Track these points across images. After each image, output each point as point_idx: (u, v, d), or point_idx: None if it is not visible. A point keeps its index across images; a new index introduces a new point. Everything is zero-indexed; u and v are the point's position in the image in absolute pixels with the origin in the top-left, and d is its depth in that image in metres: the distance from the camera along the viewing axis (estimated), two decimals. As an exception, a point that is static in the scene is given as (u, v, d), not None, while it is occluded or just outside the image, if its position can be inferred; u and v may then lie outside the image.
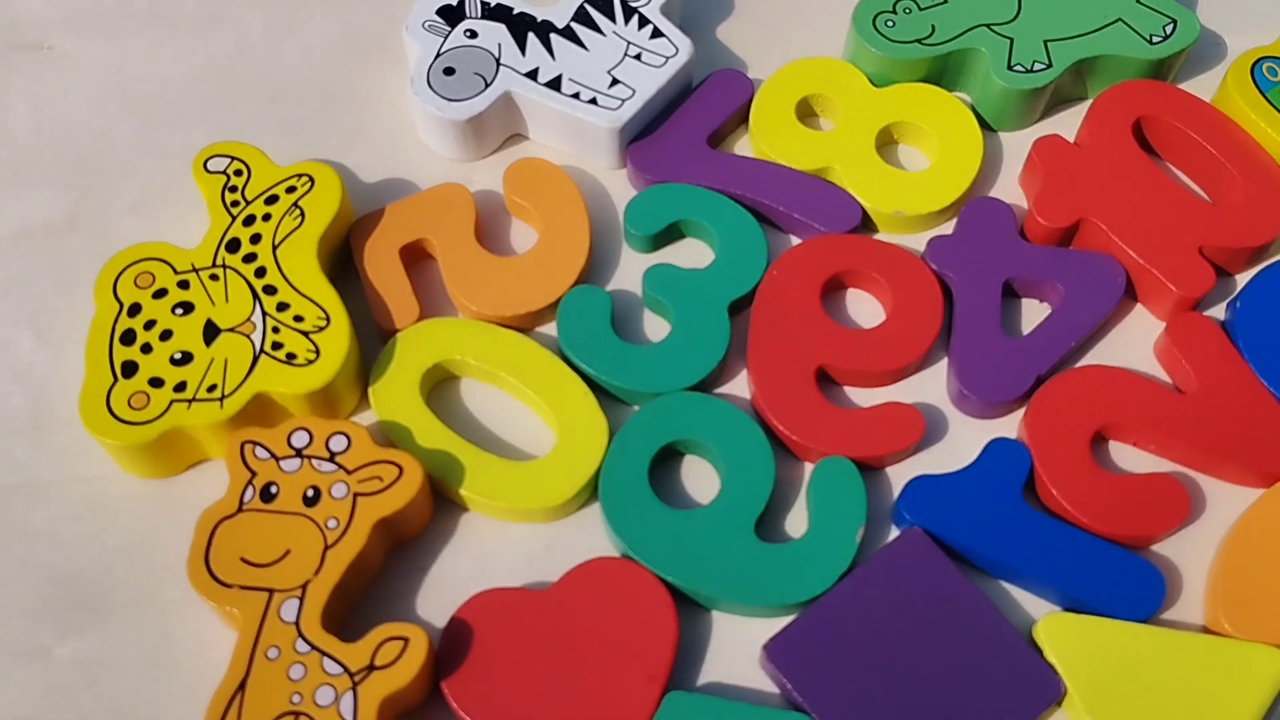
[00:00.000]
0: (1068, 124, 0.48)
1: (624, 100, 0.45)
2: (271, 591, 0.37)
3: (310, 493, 0.38)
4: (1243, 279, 0.44)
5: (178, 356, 0.40)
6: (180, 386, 0.40)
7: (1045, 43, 0.46)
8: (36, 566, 0.40)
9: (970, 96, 0.48)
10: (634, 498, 0.39)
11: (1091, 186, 0.44)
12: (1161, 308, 0.43)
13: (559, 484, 0.40)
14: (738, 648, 0.38)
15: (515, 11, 0.47)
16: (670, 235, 0.45)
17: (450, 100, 0.45)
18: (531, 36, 0.47)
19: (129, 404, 0.39)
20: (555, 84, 0.46)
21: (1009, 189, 0.47)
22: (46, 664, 0.38)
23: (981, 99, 0.47)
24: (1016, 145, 0.48)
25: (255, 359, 0.40)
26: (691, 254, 0.45)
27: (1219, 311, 0.44)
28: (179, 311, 0.41)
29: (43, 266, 0.45)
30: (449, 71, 0.46)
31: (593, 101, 0.45)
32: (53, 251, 0.46)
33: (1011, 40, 0.46)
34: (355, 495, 0.38)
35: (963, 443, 0.42)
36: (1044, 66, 0.46)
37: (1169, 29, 0.47)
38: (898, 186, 0.45)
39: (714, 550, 0.39)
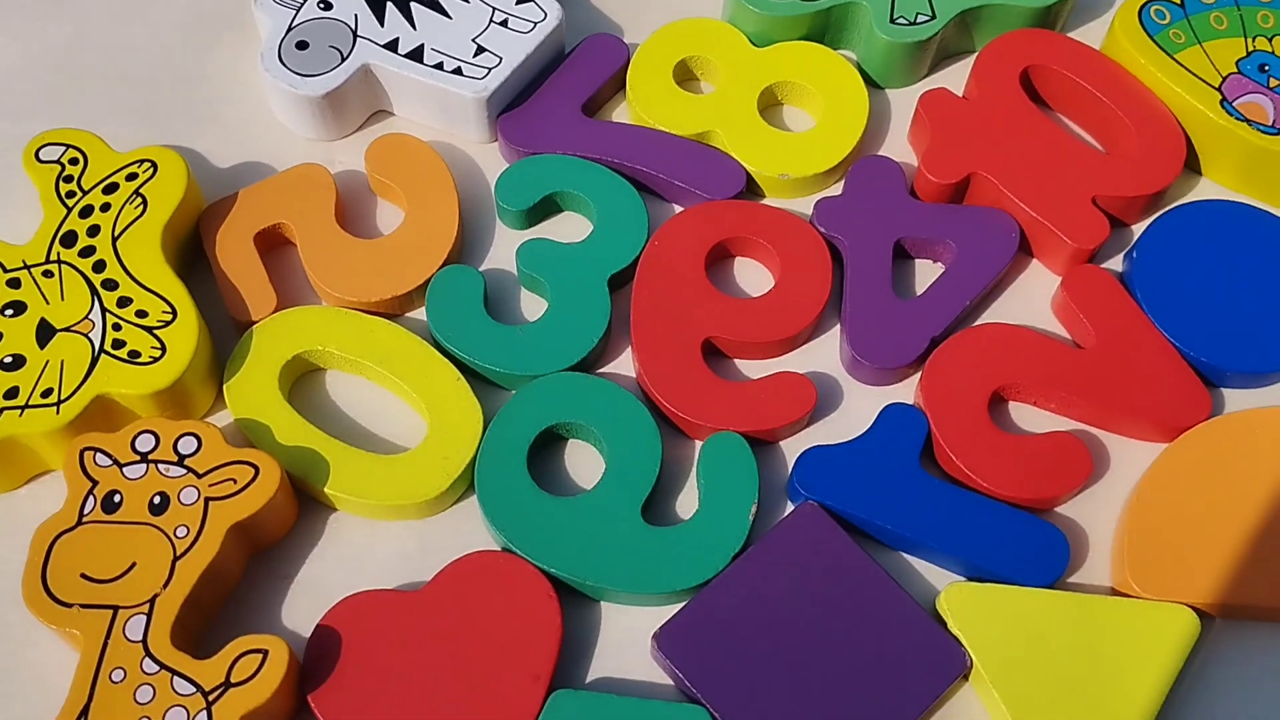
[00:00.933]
0: (955, 78, 0.46)
1: (490, 69, 0.43)
2: (116, 608, 0.34)
3: (157, 500, 0.35)
4: (1139, 230, 0.43)
5: (8, 360, 0.37)
6: (11, 393, 0.36)
7: (927, -7, 0.44)
8: None
9: (855, 54, 0.46)
10: (512, 487, 0.37)
11: (981, 140, 0.42)
12: (1057, 261, 0.42)
13: (431, 477, 0.37)
14: (628, 640, 0.36)
15: (373, -19, 0.44)
16: (546, 209, 0.43)
17: (304, 75, 0.42)
18: (390, 6, 0.44)
19: (-45, 414, 0.36)
20: (417, 55, 0.43)
21: (898, 147, 0.45)
22: (-125, 701, 0.35)
23: (866, 56, 0.45)
24: (904, 102, 0.46)
25: (95, 359, 0.37)
26: (569, 228, 0.43)
27: (1116, 264, 0.42)
28: (9, 313, 0.38)
29: None
30: (302, 45, 0.43)
31: (457, 71, 0.43)
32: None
33: (893, -8, 0.44)
34: (207, 500, 0.35)
35: (858, 411, 0.40)
36: (927, 18, 0.44)
37: (1054, -24, 0.45)
38: (782, 149, 0.43)
39: (599, 538, 0.36)
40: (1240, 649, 0.36)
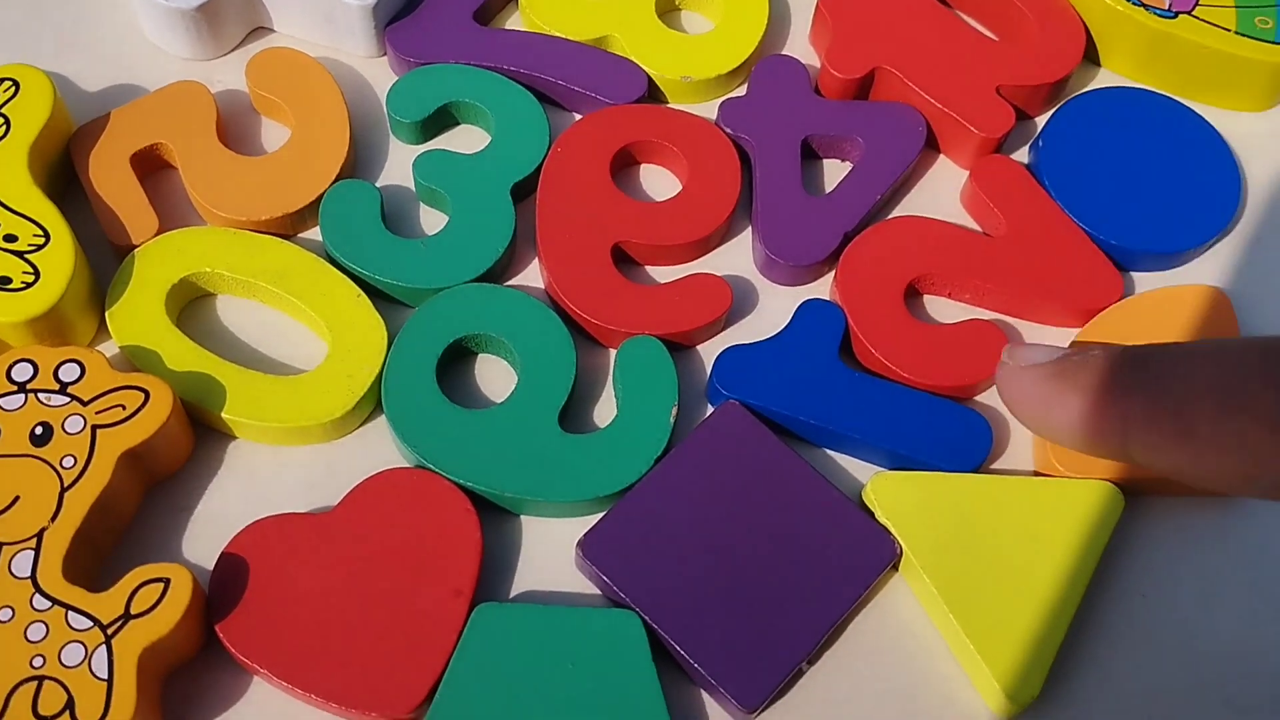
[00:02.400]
0: (853, -21, 0.46)
1: (375, -24, 0.41)
2: (1, 545, 0.31)
3: (39, 430, 0.33)
4: (1042, 123, 0.43)
5: None
6: None
7: (822, -111, 0.43)
8: None
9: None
10: (422, 402, 0.35)
11: (882, 34, 0.42)
12: (964, 154, 0.41)
13: (335, 396, 0.36)
14: (552, 551, 0.35)
15: (244, -110, 0.42)
16: (442, 122, 0.41)
17: (175, -13, 0.40)
18: (265, -85, 0.42)
19: None
20: (296, -37, 0.41)
21: (800, 48, 0.44)
22: None
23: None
24: (802, 3, 0.45)
25: (-38, 287, 0.35)
26: (467, 140, 0.41)
27: (1022, 157, 0.42)
28: None
29: None
30: (173, -42, 0.41)
31: (340, -21, 0.41)
32: None
33: (787, -112, 0.43)
34: (94, 428, 0.33)
35: (775, 311, 0.39)
36: (823, -86, 0.43)
37: (946, -128, 0.45)
38: (683, 51, 0.42)
39: (515, 448, 0.35)
40: (1161, 523, 0.36)
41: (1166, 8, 0.41)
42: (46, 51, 0.42)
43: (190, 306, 0.38)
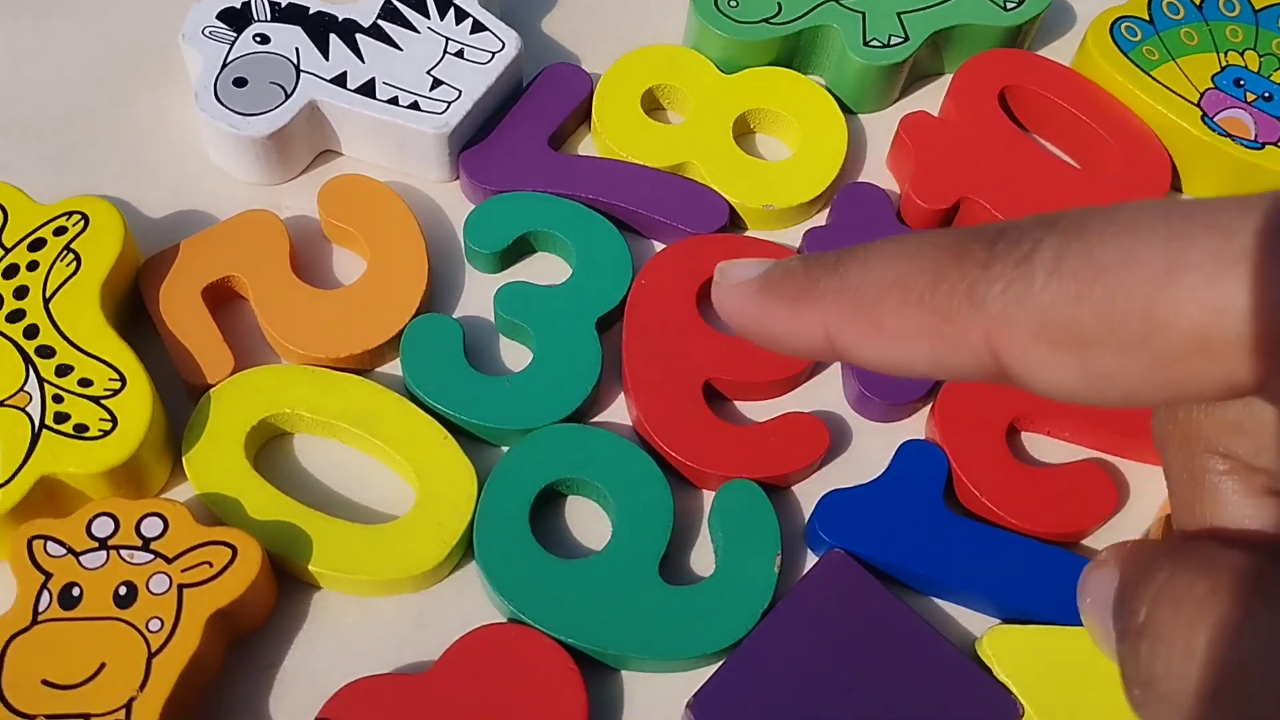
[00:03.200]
0: (925, 102, 0.45)
1: (450, 103, 0.40)
2: (87, 717, 0.30)
3: (123, 590, 0.31)
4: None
5: (-66, 442, 0.32)
6: (-59, 479, 0.32)
7: (899, 15, 0.43)
8: None
9: (823, 78, 0.45)
10: (516, 551, 0.34)
11: (966, 163, 0.41)
12: (1053, 284, 0.41)
13: (426, 545, 0.34)
14: (657, 710, 0.33)
15: (311, 11, 0.41)
16: (519, 251, 0.40)
17: (245, 115, 0.39)
18: (334, 38, 0.41)
19: (-125, 506, 0.31)
20: (368, 89, 0.40)
21: (876, 173, 0.43)
22: None
23: (837, 80, 0.44)
24: (877, 127, 0.44)
25: (35, 436, 0.33)
26: (545, 270, 0.40)
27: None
28: (-69, 388, 0.33)
29: None
30: (240, 83, 0.39)
31: (414, 106, 0.40)
32: None
33: (864, 15, 0.43)
34: (180, 587, 0.31)
35: (870, 449, 0.38)
36: (901, 40, 0.43)
37: (1018, -5, 0.44)
38: (762, 178, 0.41)
39: (616, 602, 0.33)
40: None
41: (1253, 138, 0.41)
42: (108, 179, 0.41)
43: (267, 448, 0.36)
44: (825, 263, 0.27)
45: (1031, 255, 0.22)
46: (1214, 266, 0.20)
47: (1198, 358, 0.20)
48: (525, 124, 0.41)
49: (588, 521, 0.36)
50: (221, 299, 0.38)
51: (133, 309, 0.37)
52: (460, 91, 0.40)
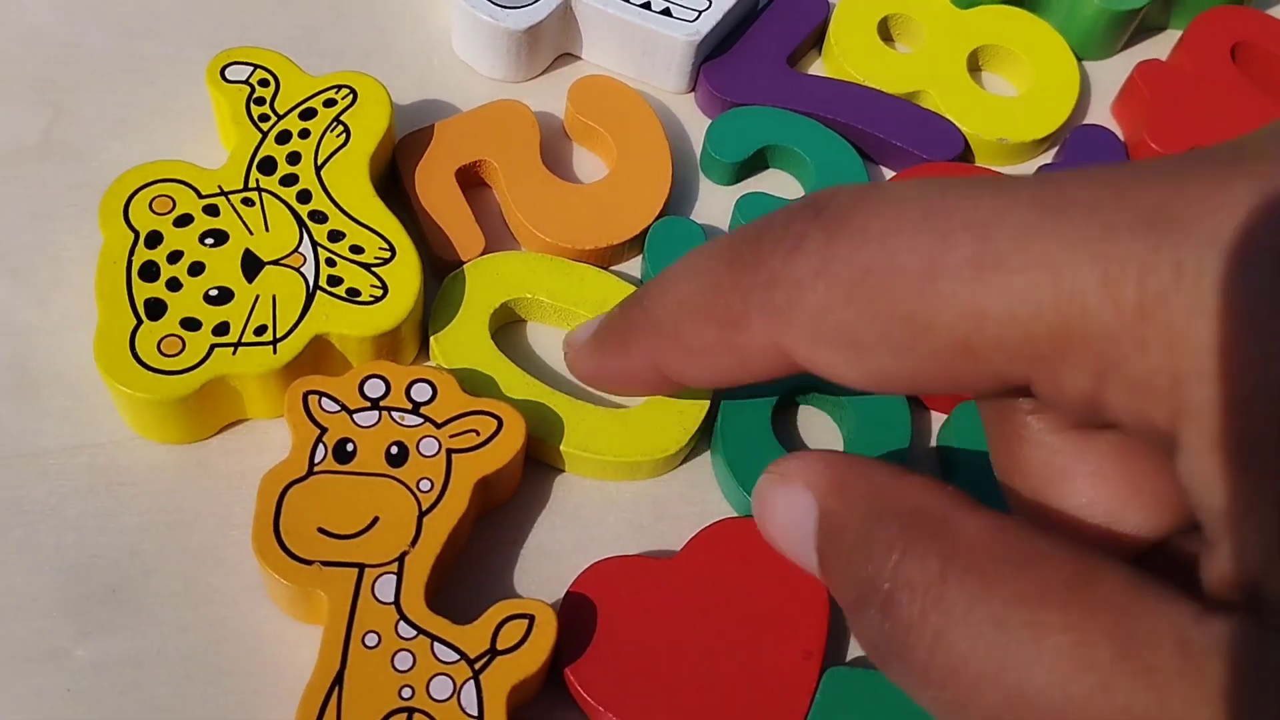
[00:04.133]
0: (1148, 54, 0.45)
1: (701, 11, 0.40)
2: (363, 566, 0.30)
3: (394, 450, 0.32)
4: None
5: (214, 293, 0.33)
6: (222, 328, 0.33)
7: (1139, -39, 0.43)
8: (42, 552, 0.32)
9: (1053, 22, 0.45)
10: (756, 444, 0.35)
11: (1200, 113, 0.41)
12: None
13: (667, 431, 0.35)
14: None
15: (564, -86, 0.42)
16: (754, 165, 0.41)
17: (506, 8, 0.39)
18: (586, -59, 0.41)
19: (160, 350, 0.32)
20: (619, -9, 0.40)
21: (1100, 118, 0.44)
22: (64, 668, 0.31)
23: (1067, 24, 0.44)
24: (1100, 74, 0.45)
25: (310, 296, 0.34)
26: (777, 184, 0.41)
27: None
28: (209, 242, 0.34)
29: (11, 197, 0.38)
30: (497, -24, 0.40)
31: (665, 12, 0.40)
32: (21, 179, 0.38)
33: (1104, -42, 0.43)
34: (449, 451, 0.32)
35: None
36: (1139, -13, 0.43)
37: (1251, -46, 0.44)
38: (996, 112, 0.42)
39: (855, 507, 0.34)
40: None
41: None
42: (350, 62, 0.41)
43: (501, 331, 0.37)
44: (634, 299, 0.29)
45: (796, 251, 0.22)
46: (970, 272, 0.20)
47: (963, 360, 0.20)
48: (765, 41, 0.42)
49: (822, 433, 0.37)
50: (469, 184, 0.39)
51: (389, 187, 0.38)
52: (710, 1, 0.41)
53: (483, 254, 0.37)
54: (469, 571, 0.33)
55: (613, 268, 0.39)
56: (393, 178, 0.38)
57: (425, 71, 0.42)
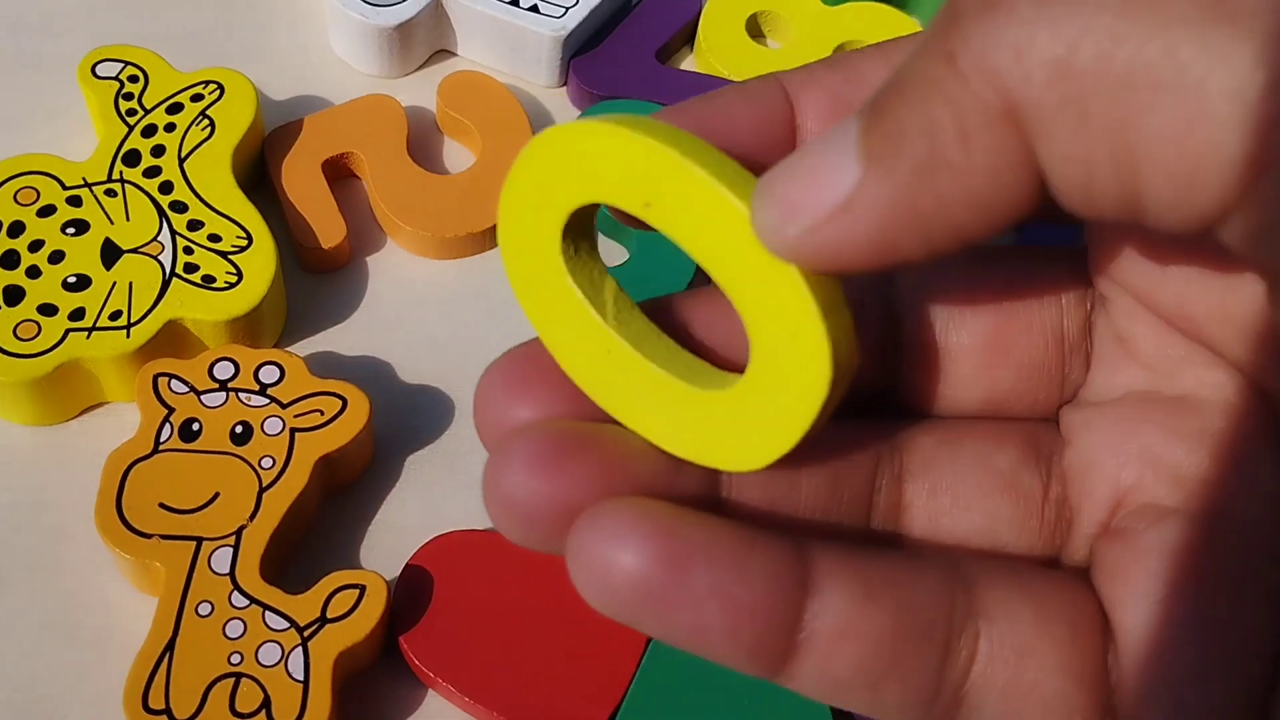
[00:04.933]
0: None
1: (568, 8, 0.42)
2: (200, 540, 0.32)
3: (239, 429, 0.33)
4: None
5: (72, 280, 0.35)
6: (77, 314, 0.34)
7: (1002, -42, 0.44)
8: (-98, 527, 0.34)
9: (919, 17, 0.46)
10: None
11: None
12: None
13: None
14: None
15: (440, -86, 0.43)
16: (620, 155, 0.42)
17: (376, 5, 0.41)
18: (459, -59, 0.43)
19: (15, 334, 0.34)
20: (490, -11, 0.42)
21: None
22: (-80, 639, 0.32)
23: (929, 17, 0.45)
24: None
25: (165, 282, 0.35)
26: (643, 176, 0.42)
27: None
28: (70, 231, 0.35)
29: (-107, 189, 0.39)
30: (370, -25, 0.41)
31: (534, 9, 0.42)
32: (-95, 173, 0.39)
33: (968, -45, 0.44)
34: (293, 430, 0.33)
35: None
36: (1002, -17, 0.44)
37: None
38: (858, 105, 0.43)
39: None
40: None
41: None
42: (232, 60, 0.43)
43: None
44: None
45: None
46: None
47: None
48: (634, 37, 0.43)
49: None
50: (339, 175, 0.40)
51: (255, 178, 0.39)
52: (577, -1, 0.42)
53: (346, 240, 0.38)
54: (317, 546, 0.35)
55: (477, 256, 0.40)
56: (264, 170, 0.39)
57: (304, 68, 0.43)
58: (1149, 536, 0.20)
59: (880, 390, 0.23)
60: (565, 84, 0.43)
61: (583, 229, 0.21)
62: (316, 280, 0.39)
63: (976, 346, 0.23)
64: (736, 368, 0.21)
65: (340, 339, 0.38)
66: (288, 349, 0.37)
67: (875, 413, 0.23)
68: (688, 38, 0.45)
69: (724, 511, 0.20)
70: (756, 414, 0.20)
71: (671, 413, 0.20)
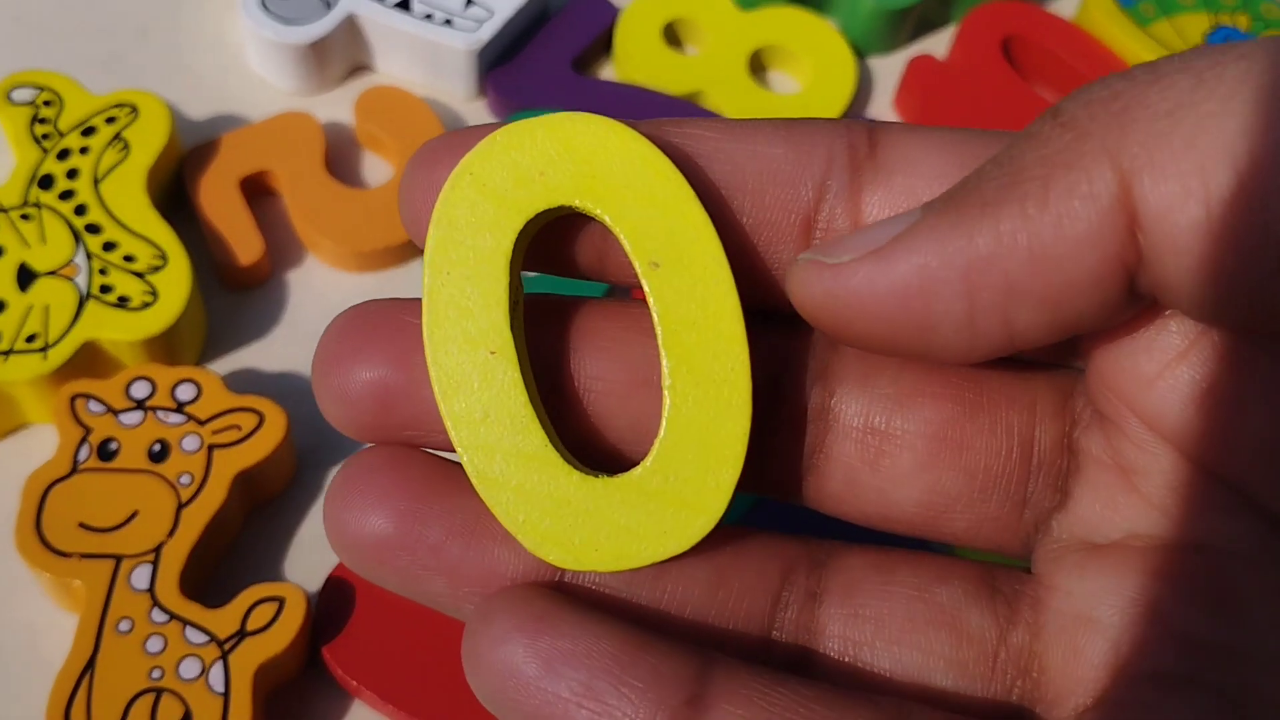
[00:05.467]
0: (933, 49, 0.47)
1: (482, 22, 0.42)
2: (119, 558, 0.32)
3: (157, 447, 0.34)
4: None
5: (-12, 304, 0.35)
6: (-7, 337, 0.34)
7: (911, -39, 0.45)
8: None
9: (837, 20, 0.47)
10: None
11: (968, 108, 0.43)
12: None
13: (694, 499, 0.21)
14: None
15: (354, -69, 0.43)
16: (538, 165, 0.42)
17: (289, 23, 0.41)
18: (374, -43, 0.43)
19: (-69, 359, 0.34)
20: (404, 5, 0.42)
21: (882, 113, 0.46)
22: None
23: (849, 22, 0.46)
24: (884, 70, 0.47)
25: (81, 304, 0.35)
26: (562, 185, 0.42)
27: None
28: (-14, 255, 0.36)
29: None
30: (285, -7, 0.42)
31: (448, 23, 0.42)
32: None
33: (878, -41, 0.45)
34: (210, 447, 0.34)
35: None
36: (911, -14, 0.45)
37: (1026, -48, 0.46)
38: (773, 111, 0.43)
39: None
40: None
41: (1240, 93, 0.43)
42: (150, 80, 0.43)
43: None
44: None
45: None
46: None
47: None
48: (550, 48, 0.44)
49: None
50: (258, 192, 0.40)
51: (174, 198, 0.40)
52: (492, 11, 0.42)
53: (264, 258, 0.38)
54: (241, 560, 0.35)
55: (393, 268, 0.40)
56: (183, 189, 0.40)
57: (223, 88, 0.43)
58: (1167, 712, 0.17)
59: (801, 475, 0.20)
60: (484, 96, 0.44)
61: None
62: (238, 297, 0.39)
63: (922, 435, 0.19)
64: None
65: (262, 355, 0.38)
66: (208, 366, 0.37)
67: (798, 513, 0.20)
68: (605, 46, 0.45)
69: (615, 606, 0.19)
70: (653, 507, 0.18)
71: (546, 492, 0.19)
